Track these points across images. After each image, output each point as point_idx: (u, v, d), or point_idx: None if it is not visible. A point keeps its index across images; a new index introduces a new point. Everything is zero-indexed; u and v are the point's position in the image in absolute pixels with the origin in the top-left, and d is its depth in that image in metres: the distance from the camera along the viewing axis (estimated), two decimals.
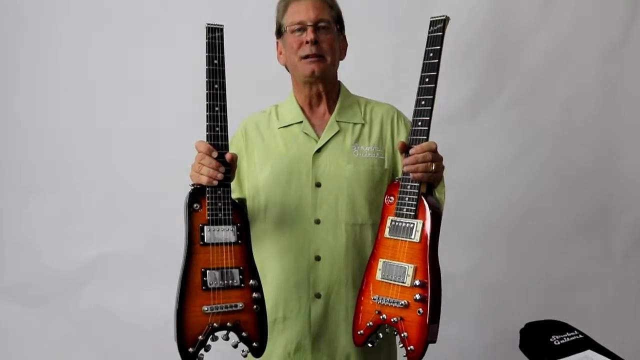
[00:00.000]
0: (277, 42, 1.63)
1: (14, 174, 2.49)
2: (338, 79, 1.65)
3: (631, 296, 2.46)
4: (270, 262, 1.55)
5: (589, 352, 1.48)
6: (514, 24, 2.38)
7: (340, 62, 1.62)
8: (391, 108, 1.65)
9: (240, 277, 1.36)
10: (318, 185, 1.54)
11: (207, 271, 1.33)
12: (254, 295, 1.37)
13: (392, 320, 1.35)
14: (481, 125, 2.40)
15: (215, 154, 1.35)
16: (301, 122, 1.59)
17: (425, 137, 1.36)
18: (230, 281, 1.35)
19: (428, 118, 1.36)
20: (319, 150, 1.55)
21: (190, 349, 1.30)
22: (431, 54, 1.37)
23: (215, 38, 1.36)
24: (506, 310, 2.40)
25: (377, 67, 2.35)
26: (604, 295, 2.45)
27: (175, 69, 2.37)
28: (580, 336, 1.55)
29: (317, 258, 1.54)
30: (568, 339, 1.54)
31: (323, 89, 1.58)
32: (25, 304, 2.51)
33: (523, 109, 2.41)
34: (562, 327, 1.60)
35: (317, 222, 1.54)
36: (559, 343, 1.52)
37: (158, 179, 2.37)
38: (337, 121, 1.58)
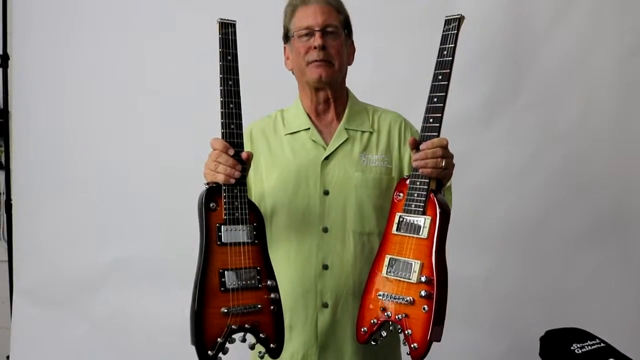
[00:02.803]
0: (285, 47, 1.60)
1: (30, 178, 2.47)
2: (346, 85, 1.63)
3: None
4: (277, 270, 1.49)
5: None
6: (531, 27, 2.36)
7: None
8: (398, 116, 1.63)
9: (258, 277, 1.33)
10: (326, 193, 1.52)
11: (225, 272, 1.30)
12: (272, 295, 1.34)
13: (396, 317, 1.33)
14: (497, 129, 2.37)
15: (231, 152, 1.32)
16: (308, 128, 1.57)
17: (436, 134, 1.36)
18: (247, 282, 1.32)
19: (440, 115, 1.36)
20: (327, 158, 1.53)
21: (210, 352, 1.26)
22: (445, 52, 1.37)
23: (228, 34, 1.34)
24: (522, 317, 2.34)
25: (394, 70, 2.32)
26: (623, 301, 2.38)
27: (191, 71, 2.34)
28: (602, 345, 1.51)
29: (325, 267, 1.51)
30: (590, 347, 1.50)
31: (331, 95, 1.56)
32: (42, 306, 2.48)
33: (539, 112, 2.37)
34: (583, 335, 1.56)
35: (325, 230, 1.51)
36: (580, 352, 1.48)
37: (174, 181, 2.34)
38: (345, 129, 1.57)
